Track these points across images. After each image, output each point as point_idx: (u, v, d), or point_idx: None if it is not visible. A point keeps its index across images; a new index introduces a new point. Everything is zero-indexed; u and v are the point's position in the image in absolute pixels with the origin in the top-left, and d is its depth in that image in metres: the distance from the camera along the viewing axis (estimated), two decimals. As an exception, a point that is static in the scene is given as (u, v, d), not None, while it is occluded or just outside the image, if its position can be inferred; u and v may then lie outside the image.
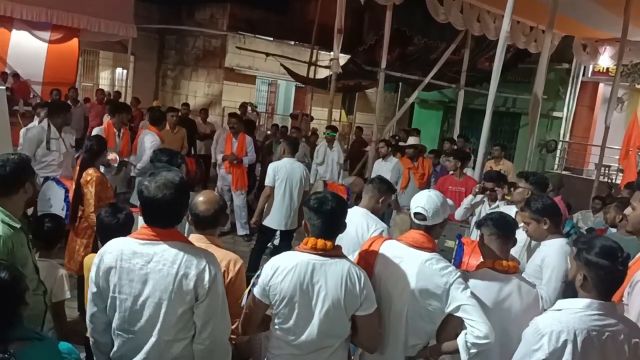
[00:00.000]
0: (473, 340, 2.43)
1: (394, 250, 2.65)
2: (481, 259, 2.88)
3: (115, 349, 2.30)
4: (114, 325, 2.27)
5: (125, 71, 13.83)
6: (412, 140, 7.40)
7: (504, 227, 2.73)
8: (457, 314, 2.49)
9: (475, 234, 5.32)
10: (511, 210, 4.30)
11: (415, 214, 2.64)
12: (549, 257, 3.16)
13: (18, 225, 2.47)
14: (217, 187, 7.65)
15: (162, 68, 16.75)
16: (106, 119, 9.07)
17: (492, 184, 5.30)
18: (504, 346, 2.51)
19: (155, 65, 16.69)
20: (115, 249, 2.23)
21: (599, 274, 2.12)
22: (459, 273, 2.57)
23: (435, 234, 2.71)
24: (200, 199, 2.73)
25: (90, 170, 4.38)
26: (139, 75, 15.48)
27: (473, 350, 2.45)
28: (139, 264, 2.18)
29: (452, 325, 2.56)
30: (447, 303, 2.51)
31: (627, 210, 2.68)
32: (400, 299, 2.58)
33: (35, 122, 6.22)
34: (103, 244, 2.38)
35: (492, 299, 2.60)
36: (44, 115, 5.93)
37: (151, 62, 16.42)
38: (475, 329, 2.43)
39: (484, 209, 5.39)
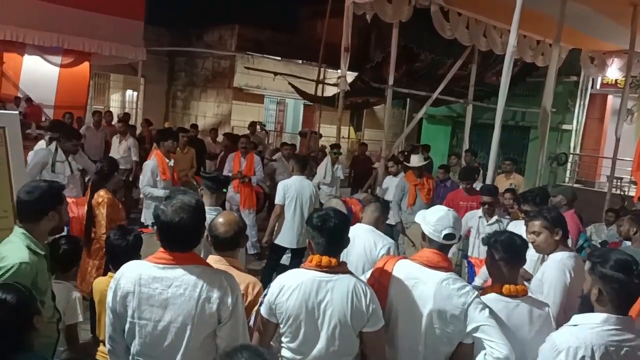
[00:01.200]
0: None
1: (409, 270, 2.60)
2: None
3: None
4: (133, 350, 2.23)
5: (135, 93, 14.01)
6: (415, 159, 7.31)
7: (513, 252, 2.65)
8: (476, 335, 2.44)
9: (477, 251, 5.29)
10: (519, 227, 4.19)
11: (446, 235, 2.56)
12: (548, 272, 3.12)
13: (43, 253, 2.49)
14: (226, 207, 7.68)
15: (172, 89, 16.96)
16: (115, 140, 9.20)
17: (489, 198, 5.29)
18: None
19: (166, 87, 16.90)
20: (133, 273, 2.20)
21: (614, 287, 2.09)
22: (476, 292, 2.53)
23: (447, 252, 2.68)
24: (220, 220, 2.73)
25: (102, 192, 4.43)
26: (149, 97, 15.69)
27: None
28: (159, 289, 2.15)
29: (462, 351, 2.50)
30: (465, 324, 2.46)
31: None
32: (418, 321, 2.53)
33: (42, 143, 6.31)
34: (112, 265, 2.40)
35: (501, 324, 2.51)
36: (49, 137, 6.02)
37: (161, 84, 16.63)
38: (496, 350, 2.37)
39: (482, 224, 5.37)
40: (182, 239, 2.18)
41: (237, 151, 7.80)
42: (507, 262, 2.64)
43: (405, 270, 2.61)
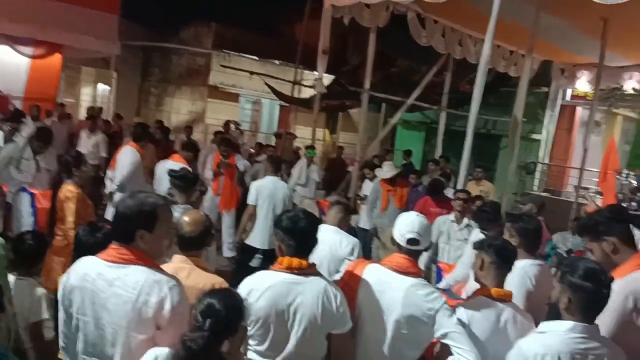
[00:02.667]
0: None
1: (379, 275, 2.62)
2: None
3: None
4: (77, 347, 2.18)
5: (107, 87, 13.77)
6: (387, 166, 7.35)
7: (505, 258, 2.71)
8: (445, 341, 2.48)
9: (446, 256, 5.37)
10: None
11: (409, 239, 2.60)
12: (510, 279, 3.18)
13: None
14: (204, 207, 7.57)
15: (145, 85, 16.70)
16: (84, 135, 9.02)
17: (464, 194, 5.39)
18: None
19: (139, 82, 16.63)
20: (81, 269, 2.17)
21: (583, 297, 2.14)
22: (444, 299, 2.57)
23: (418, 258, 2.71)
24: (186, 219, 2.70)
25: (71, 187, 4.34)
26: (122, 92, 15.40)
27: None
28: (102, 286, 2.11)
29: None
30: (433, 329, 2.50)
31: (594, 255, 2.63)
32: (385, 325, 2.56)
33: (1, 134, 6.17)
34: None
35: (491, 327, 2.57)
36: (8, 130, 5.89)
37: (134, 79, 16.36)
38: (463, 357, 2.42)
39: (452, 229, 5.46)
40: (122, 227, 2.14)
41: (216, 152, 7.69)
42: (498, 267, 2.69)
43: (375, 274, 2.63)
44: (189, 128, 11.28)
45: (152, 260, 2.19)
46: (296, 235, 2.40)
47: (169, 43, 15.38)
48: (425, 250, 2.89)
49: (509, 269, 2.75)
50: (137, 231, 2.12)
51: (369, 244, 7.09)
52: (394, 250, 2.70)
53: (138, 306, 2.07)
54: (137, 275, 2.10)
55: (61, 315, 2.23)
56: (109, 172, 6.34)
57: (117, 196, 6.07)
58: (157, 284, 2.10)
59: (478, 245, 2.79)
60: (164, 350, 2.03)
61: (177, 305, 2.09)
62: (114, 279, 2.09)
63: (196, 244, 2.69)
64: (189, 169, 5.76)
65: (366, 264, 2.73)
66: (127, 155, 6.31)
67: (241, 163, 7.62)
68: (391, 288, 2.56)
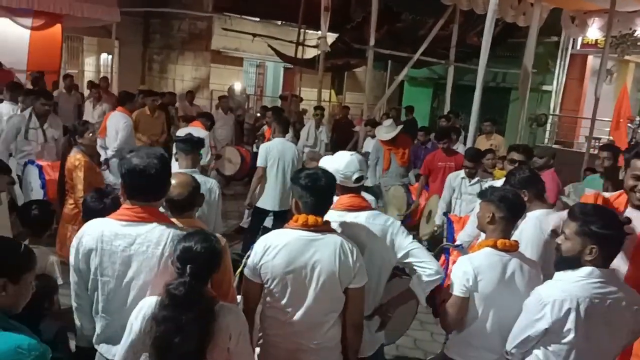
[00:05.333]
0: (427, 279, 2.57)
1: (337, 218, 2.63)
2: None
3: (98, 331, 2.28)
4: (96, 307, 2.24)
5: (110, 56, 13.64)
6: (385, 127, 7.23)
7: (515, 211, 2.69)
8: (407, 260, 2.62)
9: (457, 209, 5.37)
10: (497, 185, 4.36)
11: (357, 178, 2.67)
12: (525, 229, 3.14)
13: None
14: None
15: (148, 52, 16.50)
16: (89, 105, 8.98)
17: (472, 163, 5.34)
18: (512, 324, 2.47)
19: (141, 50, 16.42)
20: (95, 230, 2.20)
21: (611, 245, 2.14)
22: (399, 222, 2.70)
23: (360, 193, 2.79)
24: (173, 182, 2.69)
25: (78, 155, 4.33)
26: (125, 60, 15.26)
27: (428, 289, 2.59)
28: (122, 246, 2.16)
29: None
30: (395, 252, 2.62)
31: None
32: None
33: (17, 109, 6.14)
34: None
35: (497, 278, 2.56)
36: (25, 102, 5.85)
37: (137, 47, 16.16)
38: (427, 268, 2.58)
39: (464, 185, 5.44)
40: (146, 185, 2.16)
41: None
42: (507, 219, 2.66)
43: (333, 219, 2.60)
44: (190, 93, 11.20)
45: (165, 216, 2.27)
46: (315, 193, 2.40)
47: (169, 8, 15.11)
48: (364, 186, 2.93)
49: (517, 220, 2.75)
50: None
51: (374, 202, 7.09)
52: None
53: (164, 260, 2.13)
54: (158, 230, 2.17)
55: (73, 277, 2.27)
56: (99, 140, 6.24)
57: (114, 162, 6.12)
58: (178, 237, 2.15)
59: (487, 197, 2.73)
60: (151, 299, 2.06)
61: None
62: (134, 236, 2.15)
63: (187, 205, 2.69)
64: (208, 135, 5.77)
65: None
66: (119, 120, 6.30)
67: None
68: (352, 226, 2.62)
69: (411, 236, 2.66)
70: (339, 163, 2.69)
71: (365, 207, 2.70)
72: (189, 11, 14.87)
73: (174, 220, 2.62)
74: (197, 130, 6.34)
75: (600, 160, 5.00)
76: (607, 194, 2.84)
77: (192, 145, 3.73)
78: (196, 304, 1.97)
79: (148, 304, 2.06)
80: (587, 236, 2.15)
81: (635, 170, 2.55)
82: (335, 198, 2.69)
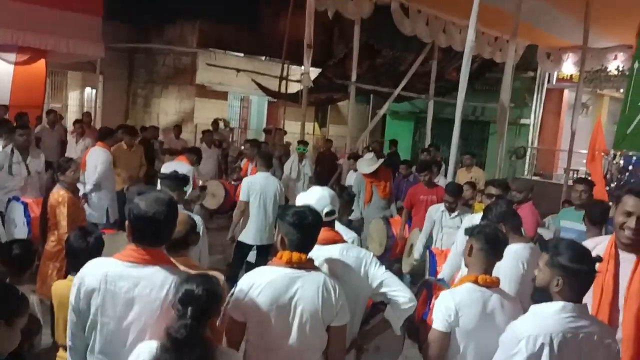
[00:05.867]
0: (401, 308, 2.66)
1: (312, 253, 2.63)
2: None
3: None
4: (93, 347, 2.23)
5: (94, 91, 13.68)
6: (366, 160, 7.33)
7: (495, 245, 2.73)
8: (381, 290, 2.69)
9: (439, 243, 5.44)
10: (475, 219, 4.42)
11: (327, 212, 2.77)
12: (503, 263, 3.20)
13: None
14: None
15: (132, 87, 16.59)
16: (72, 140, 8.97)
17: (452, 198, 5.44)
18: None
19: (126, 84, 16.52)
20: (99, 270, 2.20)
21: (576, 278, 2.18)
22: (372, 254, 2.78)
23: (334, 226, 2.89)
24: None
25: (62, 191, 4.33)
26: (109, 95, 15.31)
27: (402, 318, 2.67)
28: (125, 287, 2.15)
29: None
30: (370, 283, 2.70)
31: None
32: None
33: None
34: (72, 267, 2.37)
35: (479, 314, 2.59)
36: (8, 138, 5.85)
37: (121, 81, 16.26)
38: (400, 296, 2.65)
39: (445, 218, 5.51)
40: (154, 232, 2.19)
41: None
42: (487, 254, 2.70)
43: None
44: (177, 127, 11.24)
45: (170, 260, 2.29)
46: (301, 231, 2.43)
47: (154, 43, 15.29)
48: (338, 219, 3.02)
49: (498, 256, 2.76)
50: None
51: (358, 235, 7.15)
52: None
53: (166, 304, 2.13)
54: (162, 273, 2.18)
55: (72, 317, 2.26)
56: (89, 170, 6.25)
57: (94, 196, 6.12)
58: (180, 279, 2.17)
59: (469, 232, 2.81)
60: (151, 344, 2.06)
61: None
62: (139, 278, 2.15)
63: (182, 244, 2.73)
64: (192, 170, 5.82)
65: None
66: (99, 155, 6.33)
67: None
68: (329, 260, 2.69)
69: (384, 267, 2.75)
70: (310, 198, 2.81)
71: (338, 240, 2.80)
72: (174, 46, 15.07)
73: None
74: (181, 165, 6.40)
75: (578, 193, 5.11)
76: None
77: (177, 182, 3.77)
78: (197, 347, 1.97)
79: (147, 349, 2.04)
80: (555, 267, 2.22)
81: (626, 207, 2.56)
82: None
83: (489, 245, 2.70)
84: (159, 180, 4.22)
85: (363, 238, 6.96)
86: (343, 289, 2.57)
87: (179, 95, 15.55)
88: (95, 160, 6.29)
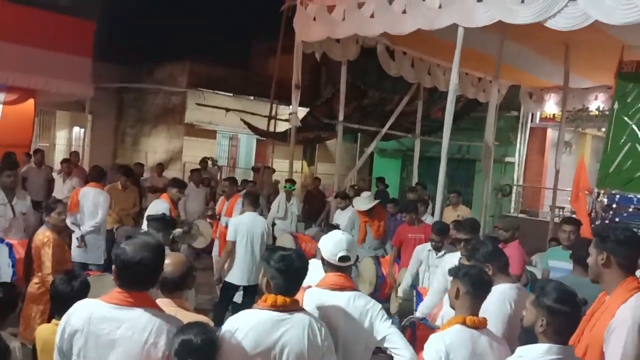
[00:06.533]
0: None
1: (319, 297, 2.71)
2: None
3: None
4: None
5: (82, 130, 13.72)
6: (364, 198, 7.41)
7: (480, 287, 2.76)
8: (384, 345, 2.66)
9: (426, 282, 5.43)
10: (455, 257, 4.53)
11: (341, 257, 2.75)
12: (488, 304, 3.23)
13: None
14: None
15: (121, 126, 16.67)
16: (59, 179, 8.95)
17: (438, 237, 5.46)
18: None
19: (114, 123, 16.60)
20: (84, 312, 2.21)
21: (560, 319, 2.21)
22: (380, 306, 2.75)
23: (349, 273, 2.87)
24: (167, 261, 2.72)
25: (47, 232, 4.31)
26: (97, 134, 15.34)
27: None
28: (107, 329, 2.16)
29: None
30: (374, 335, 2.67)
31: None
32: (336, 343, 2.61)
33: None
34: (57, 311, 2.35)
35: (468, 355, 2.60)
36: None
37: (110, 120, 16.33)
38: (401, 356, 2.62)
39: (431, 258, 5.53)
40: (140, 277, 2.21)
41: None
42: (473, 296, 2.72)
43: (314, 297, 2.72)
44: (160, 165, 11.26)
45: (156, 303, 2.29)
46: (287, 276, 2.44)
47: (143, 83, 15.45)
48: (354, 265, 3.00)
49: (484, 297, 2.79)
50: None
51: (349, 274, 7.12)
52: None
53: (147, 347, 2.13)
54: (146, 316, 2.18)
55: (56, 357, 2.26)
56: (69, 217, 6.07)
57: (91, 238, 6.08)
58: (166, 325, 2.18)
59: (453, 273, 2.83)
60: None
61: None
62: (122, 320, 2.16)
63: (178, 285, 2.71)
64: (169, 211, 5.79)
65: (304, 290, 2.79)
66: (97, 197, 6.33)
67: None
68: (332, 306, 2.69)
69: (390, 321, 2.72)
70: (328, 240, 2.83)
71: (348, 288, 2.76)
72: (164, 86, 15.23)
73: (162, 300, 2.64)
74: (162, 202, 6.28)
75: (566, 233, 5.15)
76: None
77: (164, 224, 3.78)
78: None
79: None
80: (540, 307, 2.25)
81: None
82: (323, 274, 2.80)
83: (474, 288, 2.73)
84: (145, 221, 4.21)
85: (354, 277, 6.95)
86: (346, 338, 2.60)
87: (167, 135, 15.63)
88: (94, 201, 6.28)
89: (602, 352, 2.50)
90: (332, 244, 2.79)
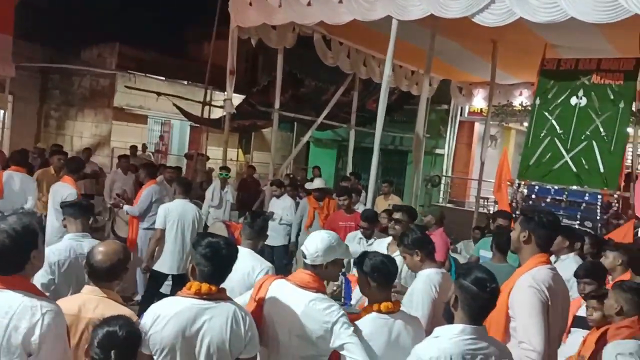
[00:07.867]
0: None
1: (283, 290, 2.69)
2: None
3: None
4: None
5: (2, 112, 12.92)
6: (317, 182, 7.64)
7: (383, 275, 2.76)
8: (342, 353, 2.57)
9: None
10: (384, 243, 4.78)
11: (303, 253, 2.72)
12: (416, 289, 3.34)
13: None
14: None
15: (44, 108, 15.82)
16: None
17: (367, 224, 5.57)
18: None
19: (37, 106, 15.74)
20: None
21: (466, 297, 2.31)
22: (342, 312, 2.64)
23: (324, 274, 2.77)
24: (99, 249, 2.61)
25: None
26: (19, 116, 14.51)
27: None
28: None
29: None
30: (331, 341, 2.57)
31: (513, 234, 2.97)
32: (287, 339, 2.62)
33: None
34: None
35: (385, 341, 2.66)
36: None
37: (32, 102, 15.47)
38: None
39: (362, 245, 5.64)
40: (12, 256, 2.05)
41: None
42: (378, 284, 2.76)
43: (279, 290, 2.70)
44: (87, 150, 10.81)
45: (32, 285, 2.13)
46: (214, 263, 2.38)
47: (69, 64, 14.71)
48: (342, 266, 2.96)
49: (390, 284, 2.85)
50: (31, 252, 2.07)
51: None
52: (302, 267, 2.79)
53: (8, 331, 2.00)
54: (10, 300, 2.04)
55: None
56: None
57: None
58: (30, 309, 2.03)
59: (356, 263, 2.84)
60: None
61: (47, 331, 2.02)
62: None
63: (106, 275, 2.58)
64: (77, 195, 5.42)
65: (273, 280, 2.78)
66: (25, 182, 6.04)
67: None
68: (292, 303, 2.64)
69: (351, 329, 2.59)
70: (308, 237, 2.79)
71: (312, 288, 2.66)
72: (91, 68, 14.59)
73: (88, 287, 2.55)
74: (67, 187, 5.79)
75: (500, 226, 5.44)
76: None
77: (81, 210, 3.60)
78: None
79: None
80: (455, 285, 2.37)
81: None
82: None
83: (378, 276, 2.74)
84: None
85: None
86: (290, 336, 2.56)
87: (95, 118, 15.02)
88: (22, 186, 5.96)
89: (508, 315, 2.75)
90: (308, 240, 2.75)
